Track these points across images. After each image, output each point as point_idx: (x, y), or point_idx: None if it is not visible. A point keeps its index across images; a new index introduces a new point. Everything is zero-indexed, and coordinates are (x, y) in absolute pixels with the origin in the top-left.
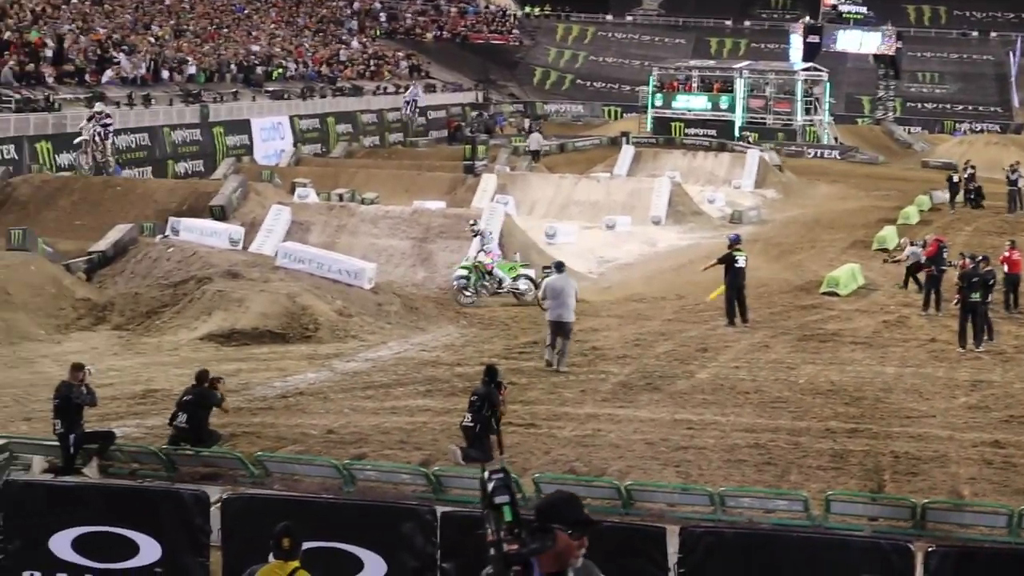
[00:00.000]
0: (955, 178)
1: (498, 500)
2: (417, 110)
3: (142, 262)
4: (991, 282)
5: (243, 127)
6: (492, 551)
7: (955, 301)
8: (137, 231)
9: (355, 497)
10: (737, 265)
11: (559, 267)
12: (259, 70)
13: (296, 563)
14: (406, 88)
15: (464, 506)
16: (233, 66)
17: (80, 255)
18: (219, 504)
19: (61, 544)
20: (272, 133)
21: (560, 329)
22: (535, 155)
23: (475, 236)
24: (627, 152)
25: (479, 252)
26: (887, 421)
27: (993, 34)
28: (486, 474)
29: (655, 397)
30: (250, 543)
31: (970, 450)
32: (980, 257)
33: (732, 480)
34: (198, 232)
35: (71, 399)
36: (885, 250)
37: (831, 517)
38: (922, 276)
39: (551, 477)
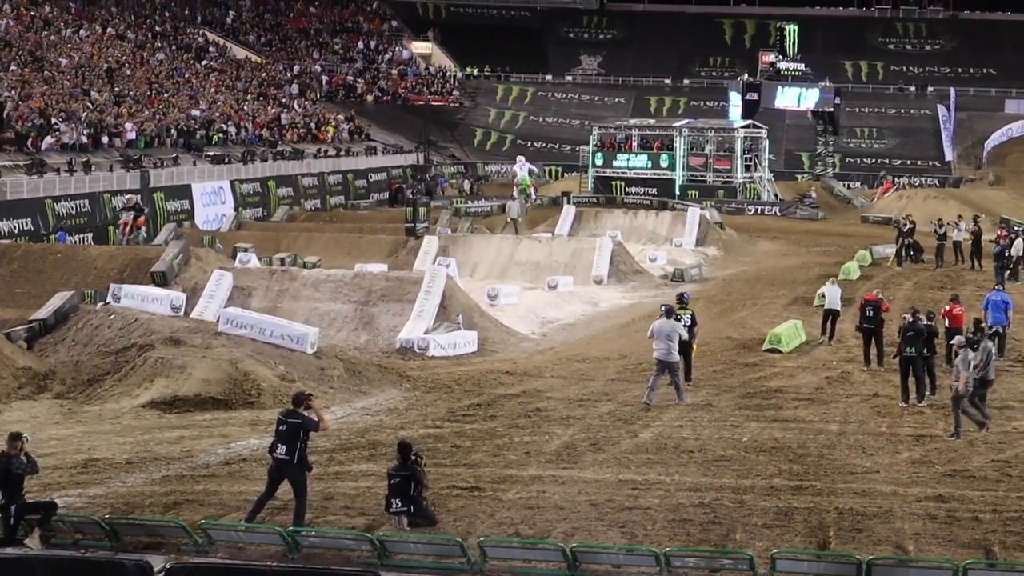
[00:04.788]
0: (906, 229)
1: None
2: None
3: (83, 330)
4: (928, 337)
5: (184, 192)
6: None
7: (893, 355)
8: (78, 298)
9: (299, 564)
10: None
11: (668, 312)
12: (199, 135)
13: None
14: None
15: (409, 572)
16: (173, 131)
17: (21, 323)
18: (163, 573)
19: None
20: (213, 198)
21: (667, 367)
22: (515, 223)
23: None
24: (568, 212)
25: None
26: (831, 478)
27: (930, 89)
28: (907, 317)
29: (599, 458)
30: None
31: (914, 505)
32: (916, 311)
33: (677, 540)
34: (139, 299)
35: (10, 470)
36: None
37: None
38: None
39: (496, 540)
